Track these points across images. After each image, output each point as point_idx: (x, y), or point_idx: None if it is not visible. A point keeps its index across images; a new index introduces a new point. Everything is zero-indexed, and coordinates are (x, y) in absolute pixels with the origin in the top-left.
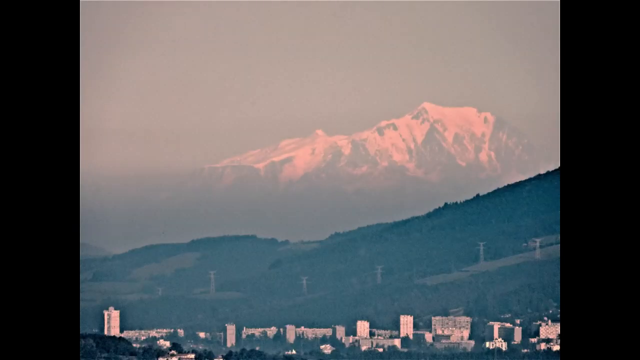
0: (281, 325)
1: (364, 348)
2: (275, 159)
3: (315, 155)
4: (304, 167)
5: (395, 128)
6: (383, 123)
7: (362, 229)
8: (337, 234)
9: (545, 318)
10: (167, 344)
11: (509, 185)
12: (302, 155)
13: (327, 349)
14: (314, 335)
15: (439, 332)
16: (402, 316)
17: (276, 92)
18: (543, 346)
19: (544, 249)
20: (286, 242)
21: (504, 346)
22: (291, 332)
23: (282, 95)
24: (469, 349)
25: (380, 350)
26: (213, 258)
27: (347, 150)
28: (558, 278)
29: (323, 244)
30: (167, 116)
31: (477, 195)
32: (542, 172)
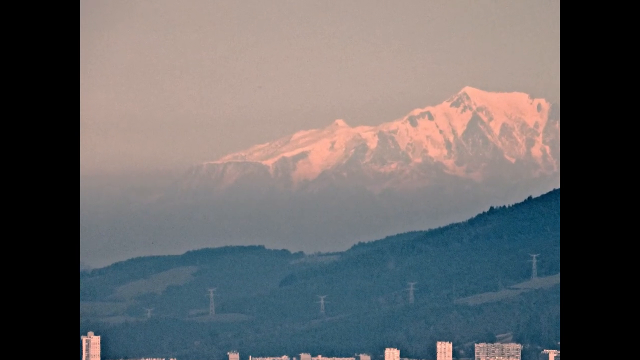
0: (294, 353)
1: None
2: (287, 154)
3: (335, 149)
4: (322, 163)
5: (430, 117)
6: (416, 111)
7: (391, 238)
8: (361, 245)
9: None
10: None
11: None
12: (319, 150)
13: None
14: None
15: None
16: (439, 343)
17: (288, 75)
18: None
19: None
20: (300, 254)
21: None
22: None
23: (294, 78)
24: None
25: None
26: (212, 273)
27: (372, 144)
28: None
29: (344, 256)
30: (156, 103)
31: (529, 197)
32: None
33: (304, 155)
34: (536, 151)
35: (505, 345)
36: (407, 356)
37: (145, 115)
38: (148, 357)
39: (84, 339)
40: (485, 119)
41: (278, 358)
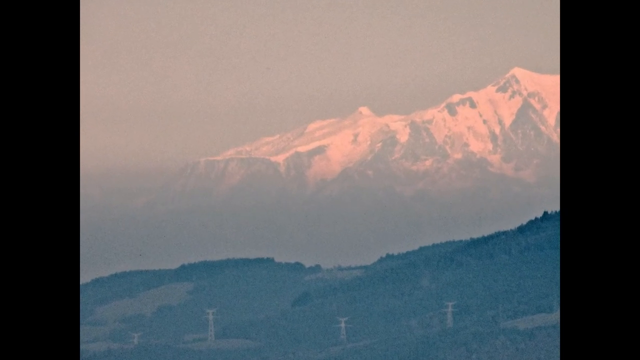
0: None
1: None
2: (301, 148)
3: (358, 143)
4: (342, 160)
5: (472, 105)
6: (455, 97)
7: (425, 249)
8: (389, 257)
9: None
10: None
11: None
12: (340, 144)
13: None
14: None
15: None
16: None
17: (302, 54)
18: None
19: None
20: (316, 268)
21: None
22: None
23: (309, 58)
24: None
25: None
26: (212, 291)
27: (403, 137)
28: None
29: (369, 270)
30: (143, 87)
31: None
32: None
33: (321, 149)
34: None
35: None
36: None
37: (130, 102)
38: None
39: None
40: (537, 106)
41: None
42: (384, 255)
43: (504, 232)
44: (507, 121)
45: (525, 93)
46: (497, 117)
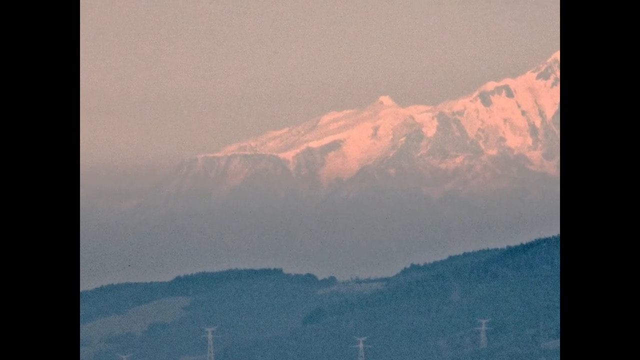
0: None
1: None
2: (313, 144)
3: (379, 138)
4: (361, 157)
5: (509, 93)
6: (490, 85)
7: (455, 258)
8: (414, 268)
9: None
10: None
11: None
12: (358, 138)
13: None
14: None
15: None
16: None
17: (314, 36)
18: None
19: None
20: (331, 281)
21: None
22: None
23: (323, 41)
24: None
25: None
26: (211, 307)
27: (430, 130)
28: None
29: (391, 283)
30: (134, 74)
31: None
32: None
33: (336, 145)
34: None
35: None
36: None
37: (116, 91)
38: None
39: None
40: None
41: None
42: (408, 266)
43: (546, 240)
44: (549, 112)
45: None
46: (538, 107)
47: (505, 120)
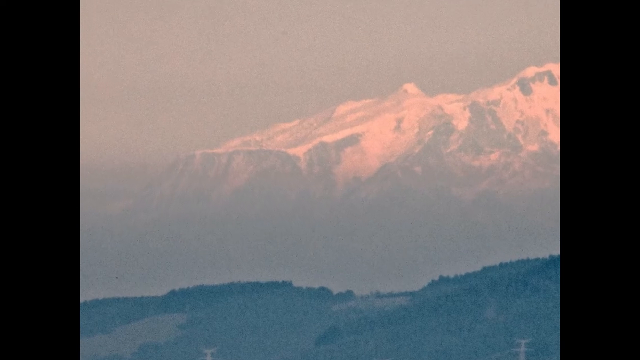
0: None
1: None
2: (328, 138)
3: (403, 131)
4: (382, 153)
5: (553, 81)
6: (530, 71)
7: (489, 269)
8: (443, 280)
9: None
10: None
11: None
12: (378, 132)
13: None
14: None
15: None
16: None
17: (329, 16)
18: None
19: None
20: (348, 295)
21: None
22: None
23: (339, 22)
24: None
25: None
26: (210, 325)
27: (462, 122)
28: None
29: (417, 298)
30: (127, 61)
31: None
32: None
33: (354, 139)
34: None
35: None
36: None
37: (103, 78)
38: None
39: None
40: None
41: None
42: (436, 278)
43: None
44: None
45: None
46: None
47: (547, 111)
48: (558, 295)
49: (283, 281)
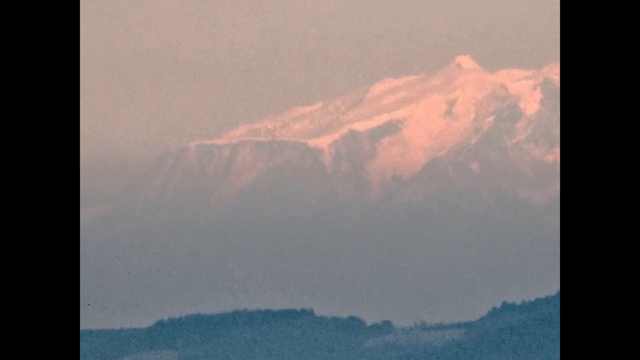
0: None
1: None
2: (359, 125)
3: (455, 117)
4: (428, 144)
5: None
6: None
7: None
8: (507, 308)
9: None
10: None
11: None
12: (424, 118)
13: None
14: None
15: None
16: None
17: None
18: None
19: None
20: (386, 327)
21: None
22: None
23: None
24: None
25: None
26: None
27: (531, 106)
28: None
29: (474, 330)
30: (108, 33)
31: None
32: None
33: (393, 127)
34: None
35: None
36: None
37: (84, 56)
38: None
39: None
40: None
41: None
42: (498, 305)
43: None
44: None
45: None
46: None
47: None
48: None
49: (302, 309)
